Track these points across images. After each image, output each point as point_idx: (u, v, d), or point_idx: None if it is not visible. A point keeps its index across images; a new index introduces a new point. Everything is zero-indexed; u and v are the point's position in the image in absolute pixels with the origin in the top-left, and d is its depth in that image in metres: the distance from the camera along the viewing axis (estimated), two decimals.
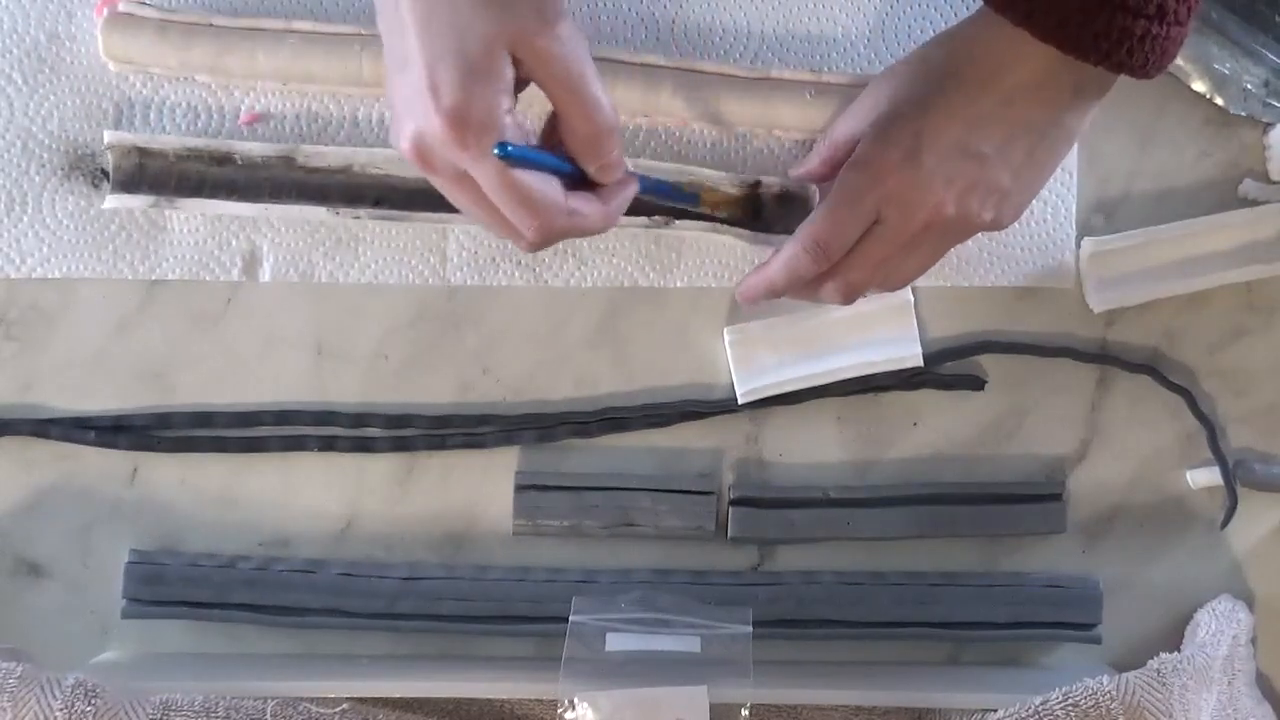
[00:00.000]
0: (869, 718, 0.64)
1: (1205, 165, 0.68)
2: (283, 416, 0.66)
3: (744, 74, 0.65)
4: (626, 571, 0.66)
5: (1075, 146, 0.63)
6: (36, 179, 0.65)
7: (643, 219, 0.64)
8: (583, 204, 0.55)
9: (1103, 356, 0.68)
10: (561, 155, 0.54)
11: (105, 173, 0.65)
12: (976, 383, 0.67)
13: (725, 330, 0.67)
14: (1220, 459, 0.67)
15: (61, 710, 0.56)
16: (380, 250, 0.66)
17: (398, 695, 0.61)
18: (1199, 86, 0.67)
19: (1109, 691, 0.58)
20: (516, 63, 0.51)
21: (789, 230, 0.60)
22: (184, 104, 0.66)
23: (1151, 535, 0.68)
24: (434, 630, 0.65)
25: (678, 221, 0.65)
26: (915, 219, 0.57)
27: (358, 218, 0.64)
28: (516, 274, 0.67)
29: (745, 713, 0.57)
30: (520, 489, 0.66)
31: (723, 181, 0.65)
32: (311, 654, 0.66)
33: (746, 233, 0.65)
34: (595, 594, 0.64)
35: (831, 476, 0.68)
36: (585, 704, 0.57)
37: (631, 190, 0.57)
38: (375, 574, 0.65)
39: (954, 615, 0.66)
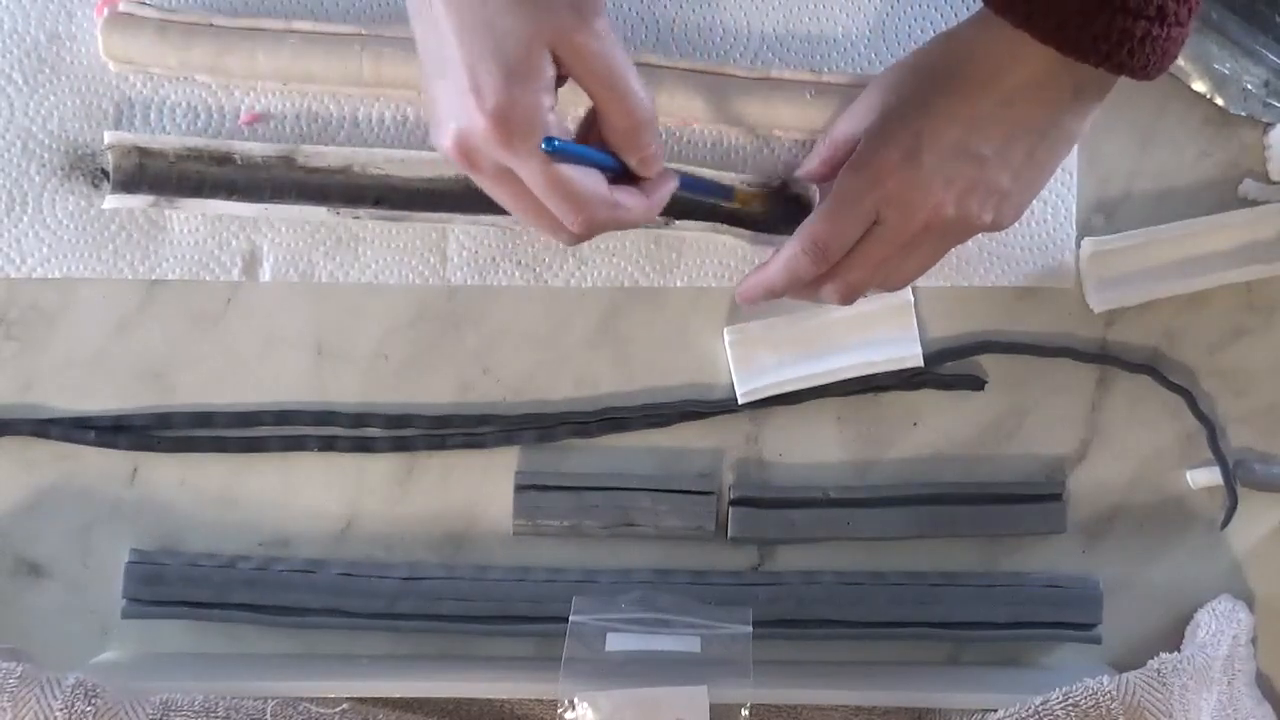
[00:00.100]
0: (869, 718, 0.64)
1: (1205, 165, 0.68)
2: (283, 416, 0.66)
3: (744, 74, 0.65)
4: (626, 571, 0.66)
5: (1075, 147, 0.63)
6: (36, 179, 0.65)
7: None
8: (626, 197, 0.55)
9: (1103, 356, 0.68)
10: (603, 149, 0.55)
11: (105, 173, 0.65)
12: (976, 383, 0.67)
13: (725, 330, 0.67)
14: (1220, 459, 0.67)
15: (61, 710, 0.56)
16: (380, 250, 0.66)
17: (398, 695, 0.61)
18: (1199, 86, 0.67)
19: (1109, 691, 0.58)
20: (556, 60, 0.52)
21: (788, 231, 0.60)
22: (184, 104, 0.66)
23: (1151, 535, 0.68)
24: (434, 630, 0.65)
25: (678, 221, 0.65)
26: (915, 220, 0.57)
27: (358, 218, 0.64)
28: (516, 274, 0.67)
29: (745, 713, 0.57)
30: (520, 489, 0.66)
31: (740, 181, 0.65)
32: (311, 654, 0.66)
33: (746, 233, 0.65)
34: (595, 594, 0.64)
35: (831, 476, 0.68)
36: (585, 704, 0.57)
37: (672, 184, 0.58)
38: (375, 574, 0.65)
39: (954, 615, 0.66)
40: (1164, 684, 0.58)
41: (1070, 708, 0.58)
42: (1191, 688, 0.59)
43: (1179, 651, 0.62)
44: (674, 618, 0.62)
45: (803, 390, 0.67)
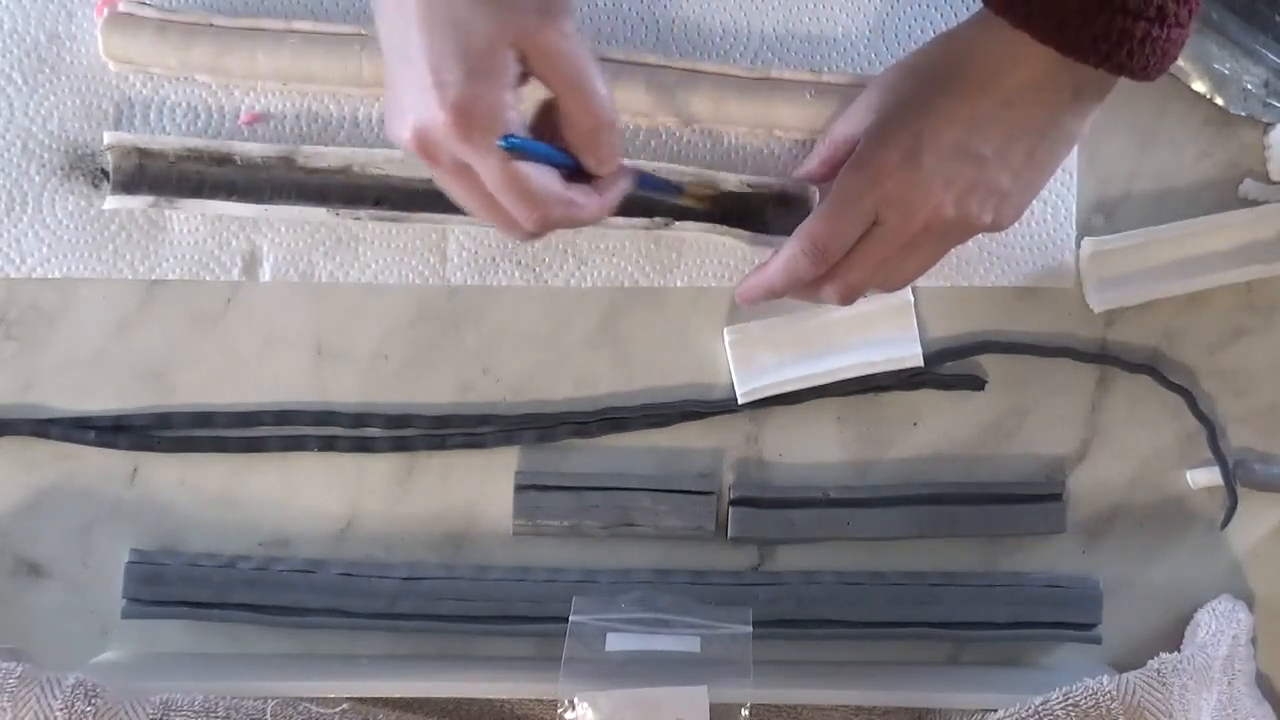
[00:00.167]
0: (869, 718, 0.64)
1: (1205, 165, 0.68)
2: (283, 416, 0.66)
3: (744, 74, 0.65)
4: (626, 571, 0.66)
5: (1075, 147, 0.63)
6: (36, 179, 0.65)
7: (643, 220, 0.64)
8: (580, 195, 0.55)
9: (1103, 356, 0.68)
10: (559, 147, 0.55)
11: (105, 173, 0.65)
12: (976, 383, 0.67)
13: (725, 330, 0.67)
14: (1220, 459, 0.67)
15: (61, 710, 0.56)
16: (380, 250, 0.66)
17: (398, 695, 0.61)
18: (1199, 86, 0.67)
19: (1109, 691, 0.58)
20: (520, 59, 0.52)
21: (788, 231, 0.60)
22: (184, 104, 0.66)
23: (1151, 535, 0.68)
24: (434, 630, 0.65)
25: (678, 223, 0.65)
26: (914, 221, 0.57)
27: (358, 218, 0.64)
28: (516, 274, 0.67)
29: (745, 713, 0.57)
30: (520, 489, 0.66)
31: (728, 182, 0.65)
32: (311, 654, 0.66)
33: (746, 234, 0.65)
34: (595, 594, 0.64)
35: (831, 476, 0.68)
36: (585, 704, 0.57)
37: (627, 183, 0.58)
38: (375, 574, 0.65)
39: (954, 615, 0.66)
40: (1164, 684, 0.58)
41: (1070, 708, 0.58)
42: (1191, 688, 0.59)
43: (1179, 651, 0.62)
44: (674, 618, 0.62)
45: (803, 390, 0.67)
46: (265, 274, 0.66)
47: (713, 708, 0.56)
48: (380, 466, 0.67)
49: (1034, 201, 0.61)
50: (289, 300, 0.66)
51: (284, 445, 0.66)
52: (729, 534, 0.66)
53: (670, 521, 0.66)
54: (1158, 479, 0.68)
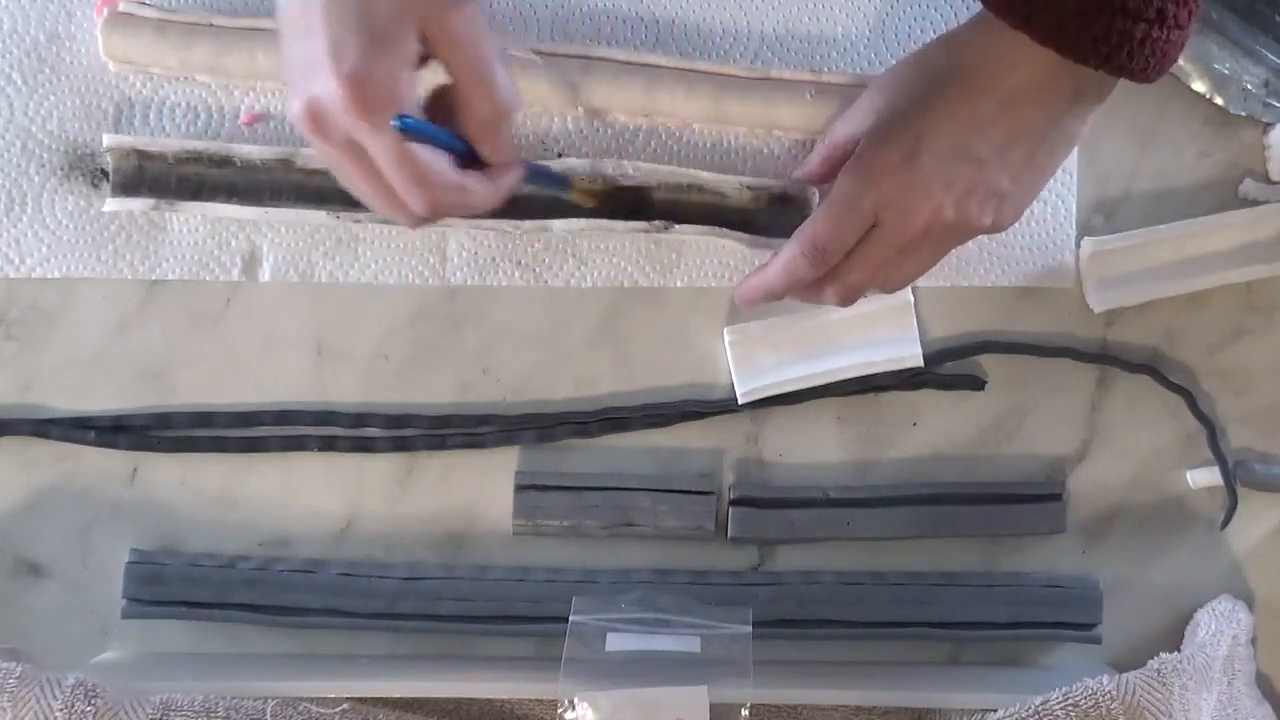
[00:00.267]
0: (869, 718, 0.64)
1: (1205, 165, 0.68)
2: (283, 416, 0.66)
3: (744, 74, 0.65)
4: (626, 571, 0.66)
5: (1075, 148, 0.63)
6: (36, 179, 0.65)
7: (643, 223, 0.64)
8: (473, 181, 0.54)
9: (1103, 356, 0.68)
10: (453, 132, 0.54)
11: (105, 173, 0.65)
12: (976, 383, 0.67)
13: (725, 330, 0.67)
14: (1220, 459, 0.67)
15: (61, 710, 0.56)
16: (380, 250, 0.66)
17: (398, 695, 0.61)
18: (1199, 86, 0.67)
19: (1109, 691, 0.58)
20: (423, 40, 0.51)
21: (788, 232, 0.60)
22: (184, 104, 0.66)
23: (1151, 535, 0.68)
24: (434, 630, 0.65)
25: (678, 226, 0.65)
26: (914, 222, 0.57)
27: (358, 220, 0.64)
28: (516, 274, 0.67)
29: (745, 713, 0.57)
30: (520, 489, 0.66)
31: (725, 184, 0.65)
32: (311, 654, 0.66)
33: (746, 236, 0.65)
34: (595, 594, 0.64)
35: (831, 476, 0.68)
36: (585, 704, 0.57)
37: (519, 173, 0.57)
38: (375, 574, 0.65)
39: (954, 615, 0.66)
40: (1164, 684, 0.58)
41: (1070, 708, 0.58)
42: (1191, 688, 0.59)
43: (1179, 651, 0.62)
44: (674, 618, 0.62)
45: (803, 390, 0.67)
46: (265, 274, 0.66)
47: (713, 708, 0.56)
48: (380, 466, 0.67)
49: (1034, 202, 0.61)
50: (289, 300, 0.66)
51: (284, 445, 0.66)
52: (729, 534, 0.66)
53: (670, 521, 0.66)
54: (1158, 479, 0.68)
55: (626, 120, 0.66)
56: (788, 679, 0.62)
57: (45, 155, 0.65)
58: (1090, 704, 0.58)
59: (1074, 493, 0.68)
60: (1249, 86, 0.67)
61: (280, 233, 0.66)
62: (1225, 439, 0.68)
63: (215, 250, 0.66)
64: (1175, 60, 0.54)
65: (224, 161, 0.64)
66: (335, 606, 0.64)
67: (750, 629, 0.60)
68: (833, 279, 0.59)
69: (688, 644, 0.60)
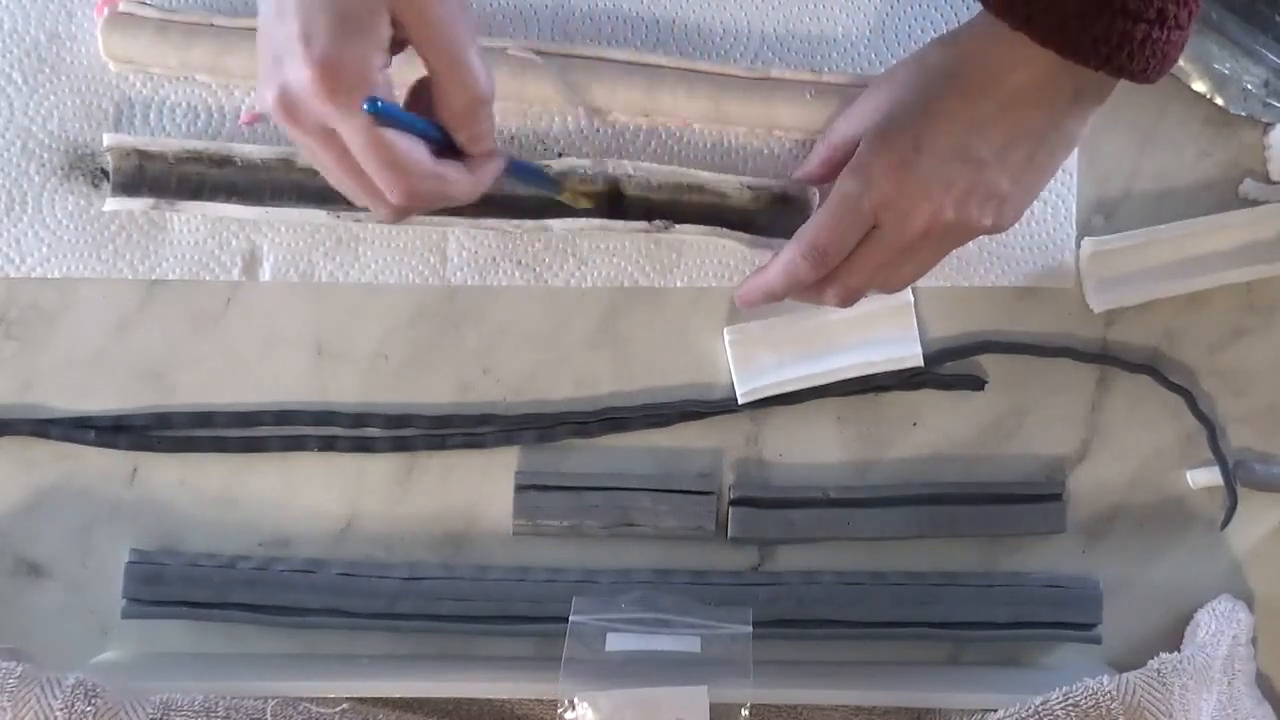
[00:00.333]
0: (869, 718, 0.64)
1: (1205, 165, 0.68)
2: (283, 416, 0.66)
3: (744, 74, 0.65)
4: (626, 571, 0.66)
5: (1075, 149, 0.63)
6: (36, 179, 0.65)
7: (642, 224, 0.64)
8: (450, 170, 0.54)
9: (1103, 356, 0.68)
10: (431, 121, 0.53)
11: (105, 172, 0.65)
12: (976, 383, 0.67)
13: (725, 330, 0.67)
14: (1220, 459, 0.67)
15: (61, 710, 0.56)
16: (380, 250, 0.66)
17: (398, 695, 0.61)
18: (1199, 86, 0.67)
19: (1109, 691, 0.58)
20: (395, 24, 0.51)
21: (788, 233, 0.60)
22: (184, 104, 0.66)
23: (1151, 535, 0.68)
24: (434, 630, 0.65)
25: (678, 227, 0.65)
26: (914, 224, 0.57)
27: (358, 220, 0.64)
28: (516, 274, 0.67)
29: (745, 713, 0.57)
30: (520, 489, 0.66)
31: (725, 184, 0.65)
32: (311, 654, 0.66)
33: (746, 236, 0.65)
34: (595, 594, 0.64)
35: (831, 476, 0.68)
36: (585, 704, 0.57)
37: (498, 165, 0.56)
38: (375, 574, 0.65)
39: (954, 615, 0.66)
40: (1164, 684, 0.58)
41: (1070, 708, 0.58)
42: (1191, 688, 0.59)
43: (1179, 651, 0.62)
44: (674, 618, 0.62)
45: (803, 390, 0.67)
46: (265, 274, 0.66)
47: (713, 708, 0.56)
48: (380, 466, 0.67)
49: (1034, 202, 0.61)
50: (289, 300, 0.66)
51: (284, 445, 0.66)
52: (729, 534, 0.66)
53: (670, 521, 0.66)
54: (1158, 479, 0.68)
55: (626, 120, 0.66)
56: (788, 679, 0.62)
57: (45, 155, 0.65)
58: (1090, 704, 0.58)
59: (1074, 493, 0.68)
60: (1249, 86, 0.67)
61: (280, 232, 0.66)
62: (1225, 439, 0.68)
63: (215, 250, 0.66)
64: (1176, 61, 0.54)
65: (224, 161, 0.64)
66: (335, 606, 0.64)
67: (750, 629, 0.60)
68: (833, 280, 0.59)
69: (688, 644, 0.60)
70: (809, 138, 0.66)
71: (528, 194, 0.64)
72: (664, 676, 0.58)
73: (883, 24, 0.67)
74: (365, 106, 0.49)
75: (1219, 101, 0.67)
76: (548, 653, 0.66)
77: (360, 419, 0.66)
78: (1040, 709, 0.58)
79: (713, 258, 0.67)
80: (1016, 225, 0.61)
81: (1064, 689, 0.58)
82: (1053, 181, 0.65)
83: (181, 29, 0.63)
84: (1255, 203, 0.68)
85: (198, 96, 0.66)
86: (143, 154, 0.64)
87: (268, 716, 0.58)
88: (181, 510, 0.66)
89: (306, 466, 0.66)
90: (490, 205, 0.63)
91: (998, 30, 0.54)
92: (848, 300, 0.60)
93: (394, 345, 0.67)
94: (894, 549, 0.67)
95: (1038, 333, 0.68)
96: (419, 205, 0.54)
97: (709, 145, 0.67)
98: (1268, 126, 0.68)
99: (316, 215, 0.64)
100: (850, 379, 0.67)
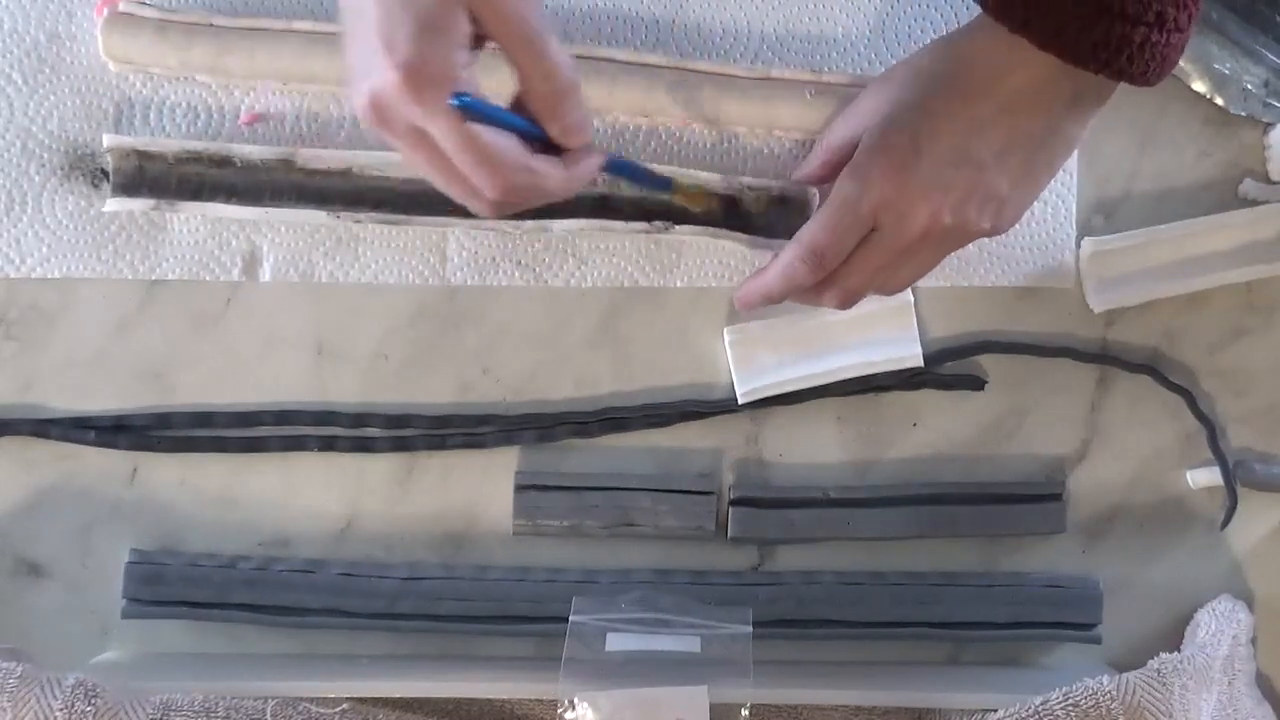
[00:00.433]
0: (869, 718, 0.64)
1: (1205, 165, 0.68)
2: (283, 416, 0.66)
3: (744, 74, 0.65)
4: (626, 571, 0.66)
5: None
6: (36, 179, 0.65)
7: (642, 224, 0.64)
8: (543, 164, 0.54)
9: (1103, 356, 0.68)
10: (525, 117, 0.53)
11: (105, 172, 0.65)
12: (976, 383, 0.67)
13: (725, 330, 0.67)
14: (1220, 459, 0.67)
15: (61, 710, 0.56)
16: (380, 250, 0.66)
17: (398, 695, 0.61)
18: (1199, 86, 0.67)
19: (1109, 691, 0.58)
20: (473, 20, 0.51)
21: (788, 233, 0.60)
22: (184, 104, 0.66)
23: (1151, 535, 0.68)
24: (434, 630, 0.65)
25: (678, 227, 0.65)
26: (912, 226, 0.57)
27: (358, 221, 0.64)
28: (516, 274, 0.67)
29: (745, 713, 0.57)
30: (520, 489, 0.66)
31: (716, 184, 0.65)
32: (311, 654, 0.66)
33: (745, 237, 0.65)
34: (595, 594, 0.64)
35: (831, 476, 0.68)
36: (585, 704, 0.57)
37: (596, 161, 0.56)
38: (375, 574, 0.65)
39: (954, 615, 0.66)
40: (1164, 684, 0.58)
41: (1070, 708, 0.58)
42: (1191, 688, 0.59)
43: (1179, 651, 0.62)
44: (674, 618, 0.62)
45: (803, 390, 0.67)
46: (265, 274, 0.66)
47: (713, 708, 0.56)
48: (380, 466, 0.67)
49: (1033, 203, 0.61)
50: (289, 300, 0.66)
51: (284, 445, 0.66)
52: (729, 534, 0.66)
53: (670, 521, 0.66)
54: (1158, 479, 0.68)
55: (626, 120, 0.66)
56: (788, 679, 0.62)
57: (45, 155, 0.65)
58: (1090, 704, 0.58)
59: (1074, 493, 0.68)
60: (1249, 86, 0.67)
61: (280, 233, 0.66)
62: (1225, 439, 0.68)
63: (215, 250, 0.66)
64: (1176, 64, 0.54)
65: (224, 162, 0.64)
66: (335, 606, 0.64)
67: (750, 629, 0.60)
68: (832, 283, 0.59)
69: (688, 644, 0.60)
70: (809, 138, 0.66)
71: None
72: (664, 676, 0.58)
73: (883, 24, 0.67)
74: (454, 102, 0.50)
75: (1219, 101, 0.67)
76: (548, 653, 0.66)
77: (360, 419, 0.66)
78: (1040, 709, 0.58)
79: (713, 258, 0.67)
80: (1016, 225, 0.61)
81: (1064, 689, 0.58)
82: (1052, 181, 0.65)
83: (181, 29, 0.63)
84: (1255, 203, 0.68)
85: (198, 96, 0.66)
86: (142, 155, 0.64)
87: (268, 716, 0.58)
88: (181, 510, 0.66)
89: (306, 466, 0.66)
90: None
91: (996, 33, 0.54)
92: (847, 302, 0.60)
93: (394, 345, 0.67)
94: (894, 549, 0.67)
95: (1038, 333, 0.68)
96: (515, 200, 0.54)
97: (709, 145, 0.67)
98: (1268, 126, 0.68)
99: (316, 215, 0.64)
100: (850, 379, 0.67)
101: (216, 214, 0.64)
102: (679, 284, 0.67)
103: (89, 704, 0.56)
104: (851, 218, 0.57)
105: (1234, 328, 0.68)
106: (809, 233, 0.58)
